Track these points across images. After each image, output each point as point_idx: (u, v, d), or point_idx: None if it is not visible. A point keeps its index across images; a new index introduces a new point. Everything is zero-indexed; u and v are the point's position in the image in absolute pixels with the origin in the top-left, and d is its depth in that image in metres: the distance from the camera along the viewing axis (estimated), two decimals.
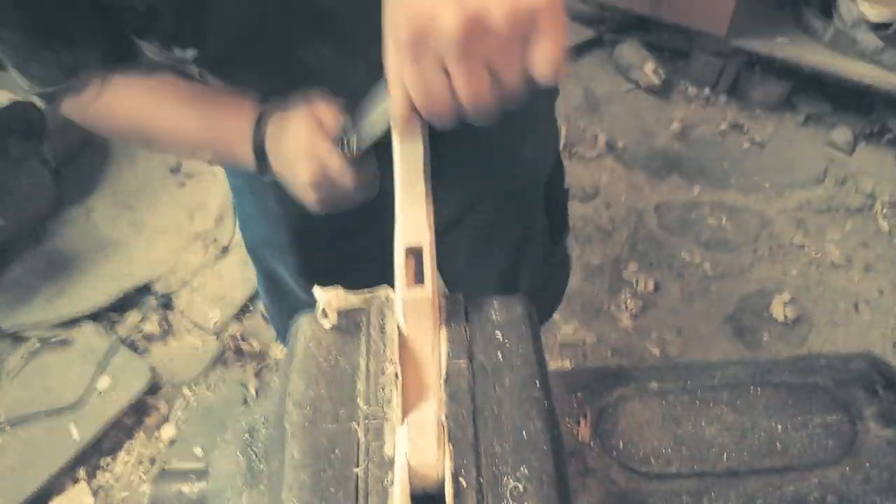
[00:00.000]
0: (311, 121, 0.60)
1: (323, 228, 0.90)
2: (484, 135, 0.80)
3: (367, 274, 0.62)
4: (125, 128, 0.70)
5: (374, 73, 0.65)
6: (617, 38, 2.46)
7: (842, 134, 2.20)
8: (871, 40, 2.02)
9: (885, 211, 2.03)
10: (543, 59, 0.37)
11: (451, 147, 0.61)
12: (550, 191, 0.99)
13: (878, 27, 1.98)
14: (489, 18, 0.35)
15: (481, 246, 0.94)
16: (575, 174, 2.12)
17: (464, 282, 0.96)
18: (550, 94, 0.93)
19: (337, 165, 0.59)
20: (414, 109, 0.41)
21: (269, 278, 1.05)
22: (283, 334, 1.21)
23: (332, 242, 0.92)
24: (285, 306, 1.07)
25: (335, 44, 0.68)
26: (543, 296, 1.19)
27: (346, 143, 0.59)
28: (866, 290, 1.84)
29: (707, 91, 2.35)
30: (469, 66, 0.37)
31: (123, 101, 0.67)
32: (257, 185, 0.87)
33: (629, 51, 2.38)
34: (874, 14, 1.95)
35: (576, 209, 2.05)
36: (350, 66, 0.67)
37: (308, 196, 0.64)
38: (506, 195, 0.91)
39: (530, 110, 0.88)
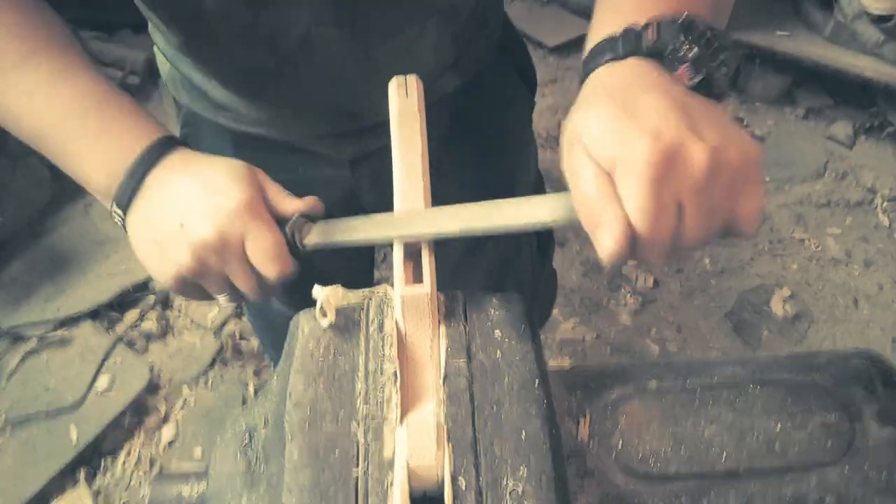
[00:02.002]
0: (249, 177, 0.52)
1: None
2: (464, 154, 0.79)
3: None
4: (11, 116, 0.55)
5: (380, 69, 0.62)
6: None
7: (842, 128, 2.19)
8: (871, 33, 2.01)
9: (885, 205, 2.02)
10: (748, 211, 0.40)
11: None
12: None
13: (879, 20, 1.97)
14: (724, 163, 0.38)
15: (464, 264, 0.93)
16: None
17: None
18: (530, 106, 0.91)
19: (275, 241, 0.51)
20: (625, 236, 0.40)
21: None
22: (267, 346, 1.20)
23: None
24: (265, 318, 1.07)
25: (350, 29, 0.63)
26: (533, 307, 1.19)
27: (296, 230, 0.53)
28: (866, 285, 1.84)
29: None
30: (705, 204, 0.39)
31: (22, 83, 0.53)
32: None
33: None
34: (875, 7, 1.94)
35: None
36: (357, 57, 0.65)
37: (180, 259, 0.51)
38: None
39: (508, 124, 0.87)
